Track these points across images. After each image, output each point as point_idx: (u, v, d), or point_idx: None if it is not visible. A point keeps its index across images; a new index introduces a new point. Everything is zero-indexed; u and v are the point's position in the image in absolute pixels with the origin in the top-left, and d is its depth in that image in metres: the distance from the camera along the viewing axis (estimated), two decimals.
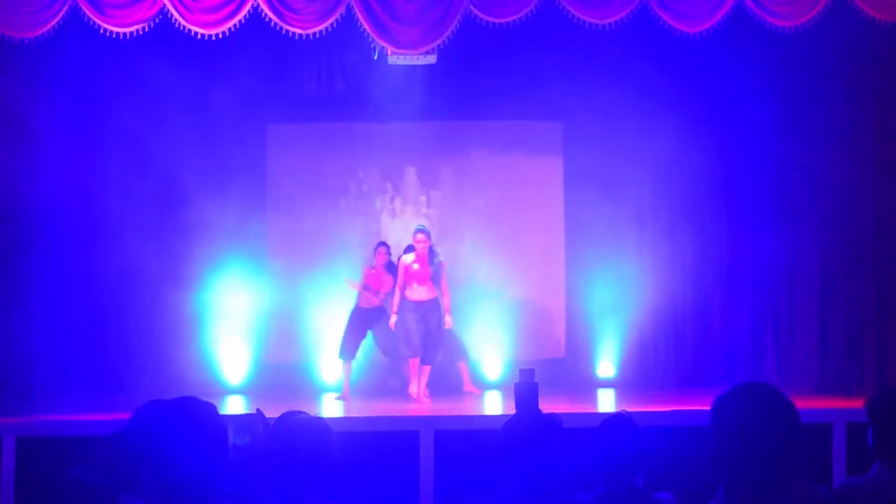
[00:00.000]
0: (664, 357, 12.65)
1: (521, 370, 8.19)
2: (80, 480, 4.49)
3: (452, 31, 10.56)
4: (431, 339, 11.39)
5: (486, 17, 10.55)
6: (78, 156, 12.07)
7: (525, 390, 8.46)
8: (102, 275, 11.99)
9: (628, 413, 5.07)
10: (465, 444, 9.10)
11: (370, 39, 10.77)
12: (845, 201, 12.12)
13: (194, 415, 2.98)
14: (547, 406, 8.75)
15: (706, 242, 12.02)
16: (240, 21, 10.38)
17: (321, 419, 4.26)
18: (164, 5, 10.28)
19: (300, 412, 4.28)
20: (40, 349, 11.87)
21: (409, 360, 11.47)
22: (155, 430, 2.93)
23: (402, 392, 11.77)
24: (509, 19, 10.58)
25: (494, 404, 11.56)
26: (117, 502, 4.63)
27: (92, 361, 11.96)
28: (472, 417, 10.09)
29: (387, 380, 12.42)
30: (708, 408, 3.19)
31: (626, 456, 4.70)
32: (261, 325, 12.85)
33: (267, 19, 10.42)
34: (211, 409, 3.03)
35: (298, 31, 10.50)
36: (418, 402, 11.13)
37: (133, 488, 4.34)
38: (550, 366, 12.93)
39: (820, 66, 11.87)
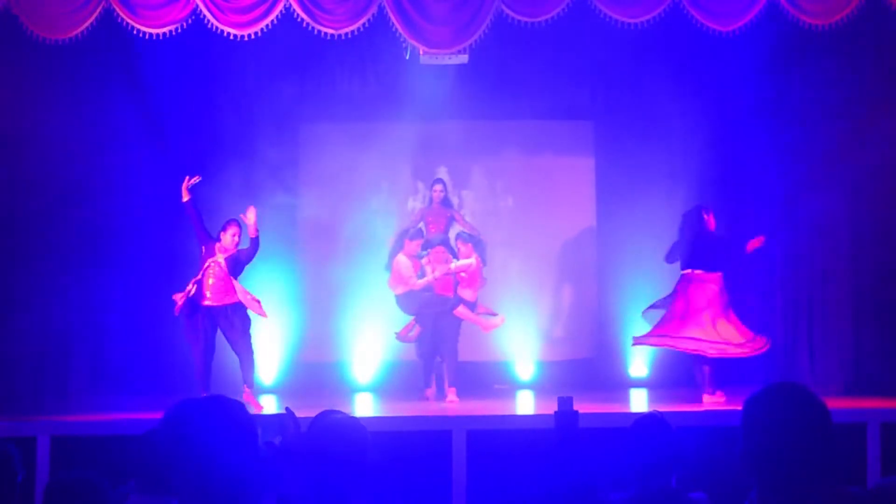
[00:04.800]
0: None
1: (559, 398, 8.10)
2: (84, 480, 4.53)
3: (484, 31, 10.57)
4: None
5: (517, 17, 10.56)
6: (108, 155, 12.16)
7: (565, 419, 8.32)
8: (136, 273, 12.08)
9: (661, 413, 5.08)
10: (497, 443, 9.11)
11: (402, 39, 10.80)
12: (880, 200, 12.09)
13: (224, 413, 3.00)
14: (579, 406, 8.77)
15: (740, 241, 11.97)
16: (272, 21, 10.44)
17: (355, 419, 4.29)
18: (197, 6, 10.33)
19: (336, 411, 4.31)
20: (76, 348, 11.99)
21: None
22: (186, 429, 2.95)
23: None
24: (541, 18, 10.59)
25: (527, 404, 11.58)
26: (125, 501, 4.69)
27: (125, 361, 12.04)
28: (504, 417, 10.10)
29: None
30: (740, 408, 3.21)
31: (660, 456, 4.71)
32: (293, 325, 12.88)
33: (299, 19, 10.46)
34: (240, 408, 3.07)
35: (330, 31, 10.54)
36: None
37: (165, 488, 4.39)
38: (582, 366, 12.96)
39: (855, 64, 11.83)
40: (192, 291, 10.35)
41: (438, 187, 12.25)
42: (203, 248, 10.50)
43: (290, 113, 12.68)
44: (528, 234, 13.18)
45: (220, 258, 10.42)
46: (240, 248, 10.53)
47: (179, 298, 10.36)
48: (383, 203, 13.09)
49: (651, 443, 4.73)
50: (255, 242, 10.56)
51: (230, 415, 3.00)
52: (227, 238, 10.45)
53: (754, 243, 10.82)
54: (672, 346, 10.76)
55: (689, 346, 10.55)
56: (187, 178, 10.50)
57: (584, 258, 13.23)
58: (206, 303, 10.42)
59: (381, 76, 12.76)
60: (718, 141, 12.60)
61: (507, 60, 12.48)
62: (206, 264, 10.43)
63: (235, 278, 10.50)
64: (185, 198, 10.45)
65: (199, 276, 10.41)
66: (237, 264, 10.53)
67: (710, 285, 10.65)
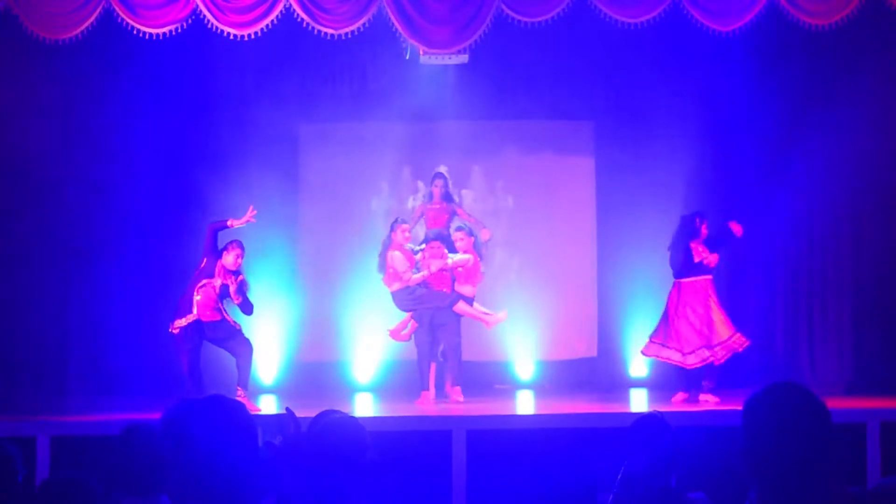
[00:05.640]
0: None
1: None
2: (74, 482, 4.52)
3: (484, 31, 10.57)
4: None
5: (517, 17, 10.56)
6: (107, 155, 12.15)
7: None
8: (135, 272, 12.10)
9: (661, 413, 5.08)
10: (497, 444, 9.11)
11: (402, 39, 10.81)
12: (879, 200, 12.10)
13: (224, 413, 3.00)
14: (579, 406, 8.82)
15: (740, 242, 11.98)
16: (272, 21, 10.43)
17: (355, 419, 4.29)
18: (197, 6, 10.32)
19: (336, 411, 4.30)
20: (75, 347, 12.01)
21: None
22: (185, 429, 2.95)
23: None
24: (541, 18, 10.59)
25: (527, 404, 11.58)
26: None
27: (124, 361, 12.05)
28: (504, 417, 10.11)
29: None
30: (740, 408, 3.21)
31: (660, 456, 4.71)
32: (293, 324, 12.86)
33: (299, 19, 10.46)
34: (240, 407, 3.06)
35: (330, 31, 10.53)
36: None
37: (156, 487, 4.38)
38: (583, 365, 12.95)
39: (853, 63, 11.83)
40: (193, 317, 10.34)
41: (439, 182, 12.23)
42: (204, 260, 10.45)
43: (290, 113, 12.65)
44: (528, 234, 13.17)
45: (217, 282, 10.38)
46: (241, 275, 10.45)
47: (179, 325, 10.35)
48: (384, 203, 13.07)
49: (651, 443, 4.73)
50: (244, 305, 10.51)
51: (230, 415, 3.00)
52: (230, 259, 10.38)
53: (734, 226, 10.90)
54: (678, 362, 10.87)
55: (694, 360, 10.68)
56: (252, 208, 10.55)
57: (584, 258, 13.21)
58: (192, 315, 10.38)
59: (380, 76, 12.74)
60: (719, 141, 12.61)
61: (507, 60, 12.48)
62: (201, 283, 10.40)
63: (221, 302, 10.49)
64: (231, 225, 10.46)
65: (191, 295, 10.37)
66: (226, 295, 10.47)
67: (700, 290, 10.76)
